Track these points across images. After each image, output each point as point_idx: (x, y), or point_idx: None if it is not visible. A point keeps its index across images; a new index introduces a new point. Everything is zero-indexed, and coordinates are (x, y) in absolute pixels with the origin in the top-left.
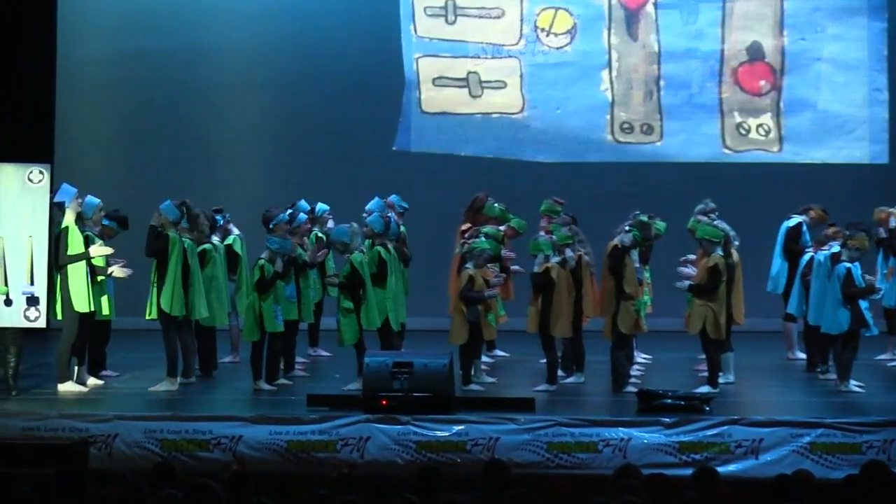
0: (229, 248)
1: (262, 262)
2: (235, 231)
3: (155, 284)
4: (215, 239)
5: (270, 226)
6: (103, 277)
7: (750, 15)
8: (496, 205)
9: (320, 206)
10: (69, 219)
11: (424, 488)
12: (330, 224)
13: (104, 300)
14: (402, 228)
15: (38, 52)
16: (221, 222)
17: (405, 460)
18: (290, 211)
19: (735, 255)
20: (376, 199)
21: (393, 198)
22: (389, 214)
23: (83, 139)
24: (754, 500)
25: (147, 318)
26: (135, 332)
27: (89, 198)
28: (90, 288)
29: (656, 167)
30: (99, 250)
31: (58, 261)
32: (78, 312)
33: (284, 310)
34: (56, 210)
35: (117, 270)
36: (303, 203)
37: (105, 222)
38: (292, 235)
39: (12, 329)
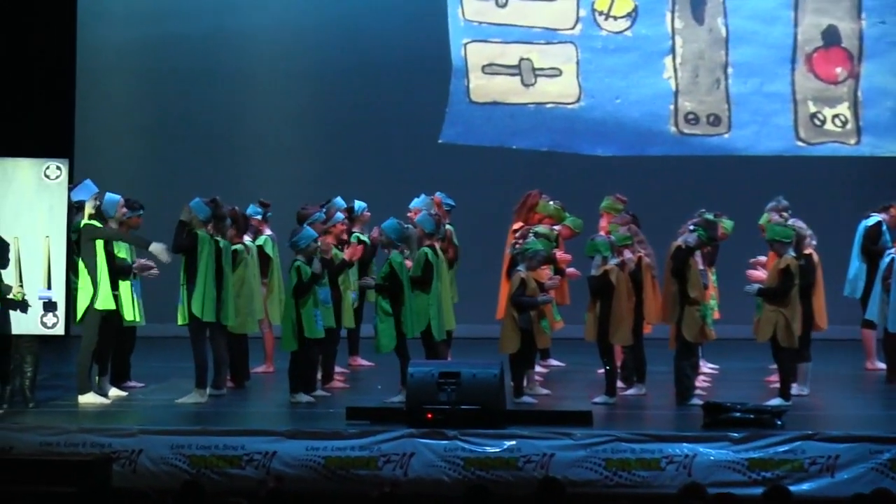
0: (260, 249)
1: (298, 263)
2: (267, 231)
3: (185, 287)
4: (247, 239)
5: (306, 224)
6: (126, 280)
7: None
8: (550, 202)
9: (359, 205)
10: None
11: None
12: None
13: (128, 303)
14: (448, 227)
15: (56, 39)
16: (260, 216)
17: (452, 478)
18: (325, 209)
19: (815, 256)
20: (422, 195)
21: (439, 194)
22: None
23: (104, 132)
24: None
25: (179, 324)
26: (161, 340)
27: (109, 195)
28: (111, 287)
29: (724, 161)
30: (156, 247)
31: (80, 252)
32: (99, 312)
33: (323, 315)
34: (74, 209)
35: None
36: (339, 200)
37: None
38: (327, 235)
39: (28, 336)
